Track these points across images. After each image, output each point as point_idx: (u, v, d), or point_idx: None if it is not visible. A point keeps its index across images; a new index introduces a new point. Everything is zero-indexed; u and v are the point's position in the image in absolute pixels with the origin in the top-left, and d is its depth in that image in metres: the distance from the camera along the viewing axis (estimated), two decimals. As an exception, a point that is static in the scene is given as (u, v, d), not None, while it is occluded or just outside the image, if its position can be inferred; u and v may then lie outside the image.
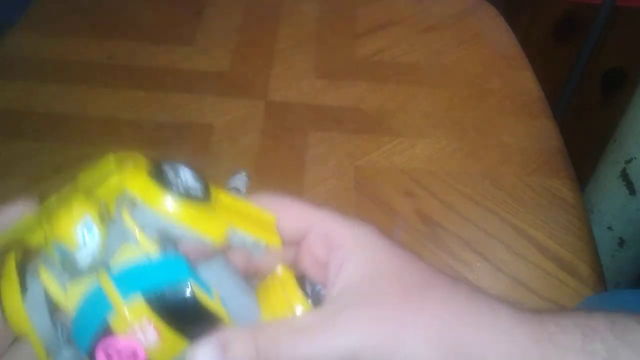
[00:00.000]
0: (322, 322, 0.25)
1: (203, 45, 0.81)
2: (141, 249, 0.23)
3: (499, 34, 0.87)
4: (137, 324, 0.22)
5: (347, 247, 0.27)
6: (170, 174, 0.25)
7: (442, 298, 0.26)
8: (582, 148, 1.01)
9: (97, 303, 0.22)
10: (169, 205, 0.24)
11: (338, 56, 0.81)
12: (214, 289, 0.24)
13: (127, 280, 0.22)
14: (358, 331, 0.25)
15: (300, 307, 0.26)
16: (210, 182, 0.26)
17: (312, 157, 0.66)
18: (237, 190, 0.58)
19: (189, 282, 0.23)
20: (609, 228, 1.02)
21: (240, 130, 0.69)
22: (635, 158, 0.94)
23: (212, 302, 0.24)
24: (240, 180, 0.60)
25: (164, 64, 0.77)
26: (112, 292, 0.22)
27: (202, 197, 0.25)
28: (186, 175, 0.25)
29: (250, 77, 0.76)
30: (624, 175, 0.96)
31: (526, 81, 0.79)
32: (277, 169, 0.64)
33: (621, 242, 1.02)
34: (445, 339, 0.25)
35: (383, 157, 0.66)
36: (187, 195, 0.25)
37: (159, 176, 0.25)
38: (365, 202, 0.61)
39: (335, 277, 0.27)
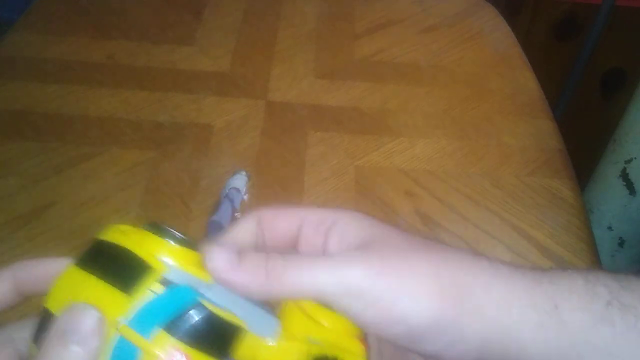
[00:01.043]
0: (328, 259, 0.26)
1: (203, 45, 0.81)
2: (146, 289, 0.24)
3: (499, 34, 0.87)
4: (165, 355, 0.23)
5: (342, 222, 0.28)
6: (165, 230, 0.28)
7: (438, 252, 0.27)
8: (582, 148, 1.01)
9: (123, 352, 0.23)
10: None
11: (338, 56, 0.81)
12: (225, 304, 0.25)
13: (143, 320, 0.23)
14: (362, 269, 0.25)
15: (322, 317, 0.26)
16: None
17: (312, 157, 0.66)
18: (237, 190, 0.58)
19: (200, 302, 0.24)
20: (609, 228, 1.02)
21: (240, 130, 0.69)
22: (635, 158, 0.94)
23: (227, 314, 0.24)
24: (240, 180, 0.60)
25: (164, 64, 0.77)
26: (134, 335, 0.23)
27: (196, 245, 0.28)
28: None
29: (250, 77, 0.76)
30: (624, 175, 0.96)
31: (526, 81, 0.78)
32: (277, 169, 0.64)
33: (621, 242, 1.02)
34: (445, 283, 0.25)
35: (383, 157, 0.66)
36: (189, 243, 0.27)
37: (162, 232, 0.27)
38: (365, 202, 0.61)
39: (336, 245, 0.27)
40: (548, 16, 1.37)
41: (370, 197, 0.62)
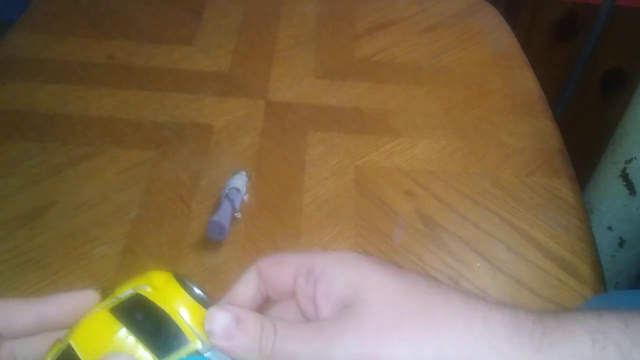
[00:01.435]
0: (317, 332, 0.26)
1: (203, 45, 0.81)
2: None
3: (499, 34, 0.87)
4: None
5: (329, 270, 0.28)
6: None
7: (434, 313, 0.26)
8: (582, 148, 1.01)
9: None
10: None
11: (338, 56, 0.81)
12: None
13: None
14: (354, 344, 0.25)
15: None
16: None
17: (312, 157, 0.66)
18: (237, 190, 0.58)
19: None
20: (609, 228, 1.02)
21: (240, 130, 0.69)
22: (635, 158, 0.94)
23: None
24: (240, 180, 0.60)
25: (164, 64, 0.77)
26: None
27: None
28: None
29: (250, 77, 0.76)
30: (624, 175, 0.96)
31: (526, 81, 0.79)
32: (277, 169, 0.64)
33: (621, 242, 1.02)
34: (443, 355, 0.24)
35: (383, 157, 0.66)
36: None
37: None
38: (365, 202, 0.61)
39: (326, 298, 0.27)
40: (548, 16, 1.37)
41: (370, 197, 0.62)
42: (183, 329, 0.26)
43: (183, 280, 0.28)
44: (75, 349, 0.25)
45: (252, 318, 0.26)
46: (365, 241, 0.57)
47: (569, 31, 1.38)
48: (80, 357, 0.24)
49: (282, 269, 0.30)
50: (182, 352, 0.25)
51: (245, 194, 0.59)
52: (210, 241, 0.56)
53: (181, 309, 0.26)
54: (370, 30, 0.85)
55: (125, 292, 0.27)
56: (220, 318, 0.26)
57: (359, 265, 0.28)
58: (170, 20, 0.85)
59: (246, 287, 0.30)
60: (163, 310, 0.26)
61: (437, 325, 0.25)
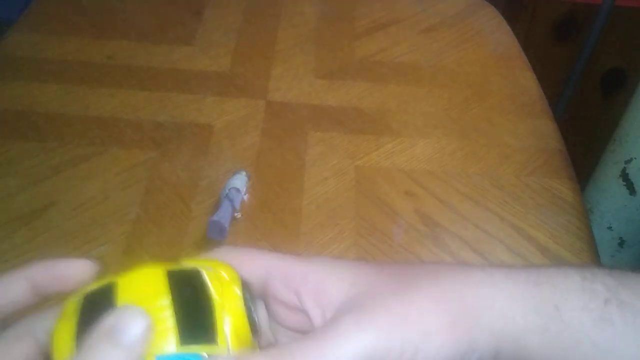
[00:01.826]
0: (328, 334, 0.24)
1: (203, 45, 0.81)
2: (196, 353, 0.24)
3: (499, 34, 0.87)
4: None
5: (313, 279, 0.27)
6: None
7: (433, 280, 0.26)
8: (582, 148, 1.01)
9: None
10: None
11: (338, 56, 0.81)
12: None
13: None
14: (370, 334, 0.24)
15: None
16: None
17: (312, 157, 0.66)
18: (237, 190, 0.58)
19: None
20: (609, 228, 1.02)
21: (240, 130, 0.69)
22: (635, 158, 0.94)
23: None
24: (240, 180, 0.60)
25: (164, 64, 0.77)
26: None
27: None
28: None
29: (250, 77, 0.76)
30: (624, 175, 0.96)
31: (526, 81, 0.78)
32: (277, 169, 0.64)
33: (621, 242, 1.02)
34: (453, 313, 0.25)
35: (383, 157, 0.66)
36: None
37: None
38: (365, 202, 0.61)
39: (319, 305, 0.26)
40: (548, 16, 1.37)
41: (370, 197, 0.62)
42: (218, 328, 0.25)
43: (247, 292, 0.27)
44: (116, 289, 0.24)
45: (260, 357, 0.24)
46: (365, 241, 0.57)
47: (569, 31, 1.38)
48: (116, 299, 0.24)
49: (249, 266, 0.28)
50: (203, 349, 0.24)
51: (245, 194, 0.59)
52: (210, 241, 0.56)
53: (227, 310, 0.25)
54: (370, 30, 0.85)
55: (189, 265, 0.27)
56: None
57: (343, 266, 0.27)
58: (170, 20, 0.85)
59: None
60: (212, 300, 0.25)
61: (448, 283, 0.26)
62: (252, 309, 0.27)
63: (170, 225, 0.58)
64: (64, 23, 0.84)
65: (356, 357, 0.23)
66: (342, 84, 0.76)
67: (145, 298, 0.24)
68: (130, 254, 0.55)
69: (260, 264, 0.28)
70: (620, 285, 0.25)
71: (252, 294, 0.27)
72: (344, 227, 0.59)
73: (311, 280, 0.27)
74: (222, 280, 0.26)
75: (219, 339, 0.24)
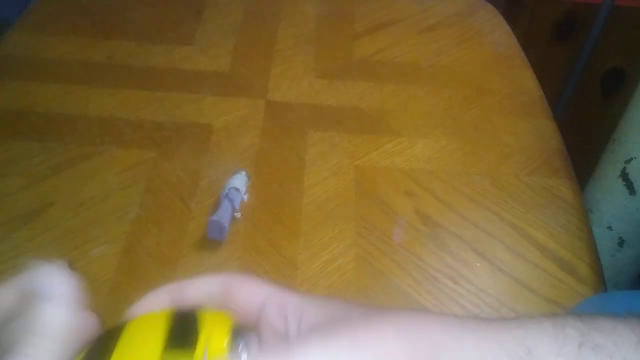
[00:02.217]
0: (293, 349, 0.25)
1: (203, 45, 0.81)
2: None
3: (499, 34, 0.87)
4: None
5: (301, 306, 0.27)
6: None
7: (405, 314, 0.26)
8: (582, 148, 1.01)
9: None
10: None
11: (338, 56, 0.81)
12: None
13: None
14: (330, 348, 0.24)
15: None
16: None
17: (312, 157, 0.66)
18: (237, 190, 0.58)
19: None
20: (609, 228, 1.02)
21: (240, 130, 0.69)
22: (635, 158, 0.94)
23: None
24: (240, 180, 0.60)
25: (164, 64, 0.77)
26: None
27: None
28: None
29: (250, 77, 0.76)
30: (624, 175, 0.96)
31: (526, 81, 0.79)
32: (277, 169, 0.64)
33: (621, 242, 1.02)
34: (417, 345, 0.25)
35: (383, 157, 0.66)
36: None
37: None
38: (365, 202, 0.61)
39: (297, 329, 0.27)
40: (548, 16, 1.37)
41: (370, 197, 0.62)
42: (199, 343, 0.25)
43: (240, 335, 0.27)
44: (119, 335, 0.25)
45: None
46: (365, 241, 0.57)
47: (569, 31, 1.39)
48: (117, 344, 0.25)
49: (252, 293, 0.29)
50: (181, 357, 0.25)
51: (245, 194, 0.59)
52: (210, 241, 0.56)
53: (211, 341, 0.26)
54: (370, 30, 0.85)
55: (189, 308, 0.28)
56: None
57: (331, 301, 0.28)
58: (170, 20, 0.85)
59: (202, 292, 0.29)
60: (197, 332, 0.26)
61: (417, 319, 0.26)
62: (240, 346, 0.27)
63: (170, 225, 0.58)
64: (64, 23, 0.84)
65: None
66: (342, 84, 0.76)
67: (143, 345, 0.25)
68: (130, 254, 0.55)
69: (263, 292, 0.29)
70: (592, 330, 0.25)
71: (245, 336, 0.28)
72: (344, 227, 0.59)
73: (298, 308, 0.27)
74: (215, 317, 0.27)
75: (198, 350, 0.25)
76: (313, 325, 0.26)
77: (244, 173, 0.61)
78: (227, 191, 0.58)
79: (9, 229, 0.56)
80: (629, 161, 0.95)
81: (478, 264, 0.56)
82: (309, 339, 0.25)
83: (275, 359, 0.24)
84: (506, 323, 0.26)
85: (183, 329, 0.26)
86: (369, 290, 0.54)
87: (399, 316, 0.26)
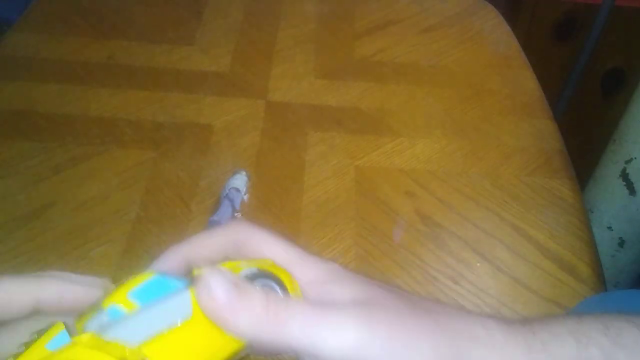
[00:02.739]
0: (329, 314, 0.24)
1: (203, 45, 0.81)
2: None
3: (499, 34, 0.87)
4: None
5: (321, 277, 0.27)
6: None
7: (436, 317, 0.26)
8: (582, 148, 1.01)
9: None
10: None
11: (338, 56, 0.81)
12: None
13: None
14: (363, 331, 0.24)
15: None
16: None
17: (312, 157, 0.66)
18: (237, 190, 0.58)
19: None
20: (609, 228, 1.02)
21: (240, 130, 0.69)
22: (635, 158, 0.94)
23: None
24: (240, 180, 0.60)
25: (164, 64, 0.77)
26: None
27: None
28: None
29: (250, 77, 0.76)
30: (624, 175, 0.96)
31: (526, 81, 0.78)
32: (277, 169, 0.64)
33: (621, 242, 1.02)
34: (441, 353, 0.24)
35: (383, 157, 0.66)
36: None
37: None
38: (365, 202, 0.61)
39: (327, 297, 0.26)
40: (548, 16, 1.37)
41: (370, 197, 0.62)
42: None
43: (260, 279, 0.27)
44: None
45: (252, 286, 0.24)
46: (365, 241, 0.57)
47: (569, 31, 1.38)
48: None
49: (269, 252, 0.28)
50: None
51: (245, 194, 0.59)
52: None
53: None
54: (370, 30, 0.85)
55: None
56: (219, 282, 0.23)
57: (362, 278, 0.27)
58: (170, 20, 0.85)
59: (217, 246, 0.28)
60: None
61: (447, 326, 0.25)
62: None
63: (170, 225, 0.58)
64: (64, 23, 0.84)
65: (338, 349, 0.23)
66: (342, 84, 0.76)
67: None
68: (130, 254, 0.55)
69: (282, 255, 0.28)
70: (616, 346, 0.24)
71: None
72: (344, 227, 0.59)
73: (318, 280, 0.26)
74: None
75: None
76: (346, 299, 0.25)
77: (244, 173, 0.61)
78: (227, 191, 0.58)
79: (9, 229, 0.56)
80: (629, 161, 0.95)
81: (478, 264, 0.56)
82: (347, 310, 0.24)
83: (308, 314, 0.23)
84: (531, 341, 0.25)
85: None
86: (369, 290, 0.54)
87: (431, 323, 0.25)
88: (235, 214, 0.58)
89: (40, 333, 0.23)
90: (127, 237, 0.56)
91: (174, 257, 0.27)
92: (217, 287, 0.23)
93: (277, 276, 0.26)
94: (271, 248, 0.28)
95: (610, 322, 0.25)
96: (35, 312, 0.25)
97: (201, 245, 0.28)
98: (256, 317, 0.23)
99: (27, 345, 0.23)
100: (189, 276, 0.25)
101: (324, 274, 0.27)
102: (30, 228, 0.57)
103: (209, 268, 0.24)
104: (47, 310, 0.25)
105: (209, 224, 0.55)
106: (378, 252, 0.57)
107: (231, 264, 0.26)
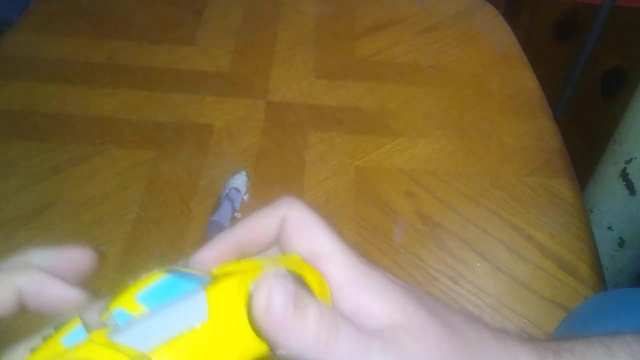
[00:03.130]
0: (380, 343, 0.22)
1: (203, 45, 0.81)
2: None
3: (499, 34, 0.87)
4: None
5: (367, 287, 0.24)
6: None
7: (472, 350, 0.24)
8: (582, 148, 1.01)
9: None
10: None
11: (338, 56, 0.81)
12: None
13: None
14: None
15: None
16: None
17: (312, 157, 0.66)
18: (237, 190, 0.58)
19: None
20: (609, 228, 1.02)
21: (240, 130, 0.69)
22: (635, 158, 0.94)
23: None
24: (240, 180, 0.60)
25: (164, 64, 0.77)
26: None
27: None
28: None
29: (250, 77, 0.76)
30: (624, 175, 0.96)
31: (526, 81, 0.78)
32: (277, 169, 0.64)
33: (621, 242, 1.02)
34: None
35: (383, 157, 0.66)
36: None
37: None
38: (365, 202, 0.61)
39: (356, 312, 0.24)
40: (548, 16, 1.37)
41: (370, 197, 0.62)
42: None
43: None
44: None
45: (311, 299, 0.22)
46: (365, 241, 0.57)
47: (569, 31, 1.39)
48: None
49: (313, 237, 0.25)
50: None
51: (245, 194, 0.59)
52: (210, 241, 0.56)
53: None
54: (370, 30, 0.85)
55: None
56: (279, 293, 0.20)
57: (398, 297, 0.25)
58: (170, 20, 0.85)
59: (260, 231, 0.26)
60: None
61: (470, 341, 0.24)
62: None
63: (170, 225, 0.58)
64: (64, 23, 0.84)
65: None
66: (342, 84, 0.76)
67: None
68: (130, 254, 0.55)
69: (324, 244, 0.25)
70: None
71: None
72: (344, 227, 0.59)
73: (352, 282, 0.24)
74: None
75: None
76: (383, 321, 0.23)
77: (244, 173, 0.61)
78: (227, 191, 0.58)
79: (9, 229, 0.56)
80: (629, 161, 0.95)
81: (478, 264, 0.56)
82: (387, 345, 0.22)
83: (357, 340, 0.22)
84: None
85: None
86: (369, 290, 0.54)
87: (474, 350, 0.24)
88: (235, 214, 0.58)
89: (57, 327, 0.23)
90: (127, 237, 0.56)
91: (226, 242, 0.26)
92: (277, 297, 0.21)
93: (303, 278, 0.24)
94: (315, 235, 0.26)
95: (636, 341, 0.25)
96: (21, 308, 0.23)
97: (253, 227, 0.26)
98: (309, 336, 0.21)
99: (45, 339, 0.22)
100: (206, 274, 0.24)
101: (363, 280, 0.25)
102: (30, 228, 0.57)
103: (273, 272, 0.22)
104: (33, 308, 0.24)
105: (209, 224, 0.55)
106: (378, 252, 0.57)
107: (256, 262, 0.25)
